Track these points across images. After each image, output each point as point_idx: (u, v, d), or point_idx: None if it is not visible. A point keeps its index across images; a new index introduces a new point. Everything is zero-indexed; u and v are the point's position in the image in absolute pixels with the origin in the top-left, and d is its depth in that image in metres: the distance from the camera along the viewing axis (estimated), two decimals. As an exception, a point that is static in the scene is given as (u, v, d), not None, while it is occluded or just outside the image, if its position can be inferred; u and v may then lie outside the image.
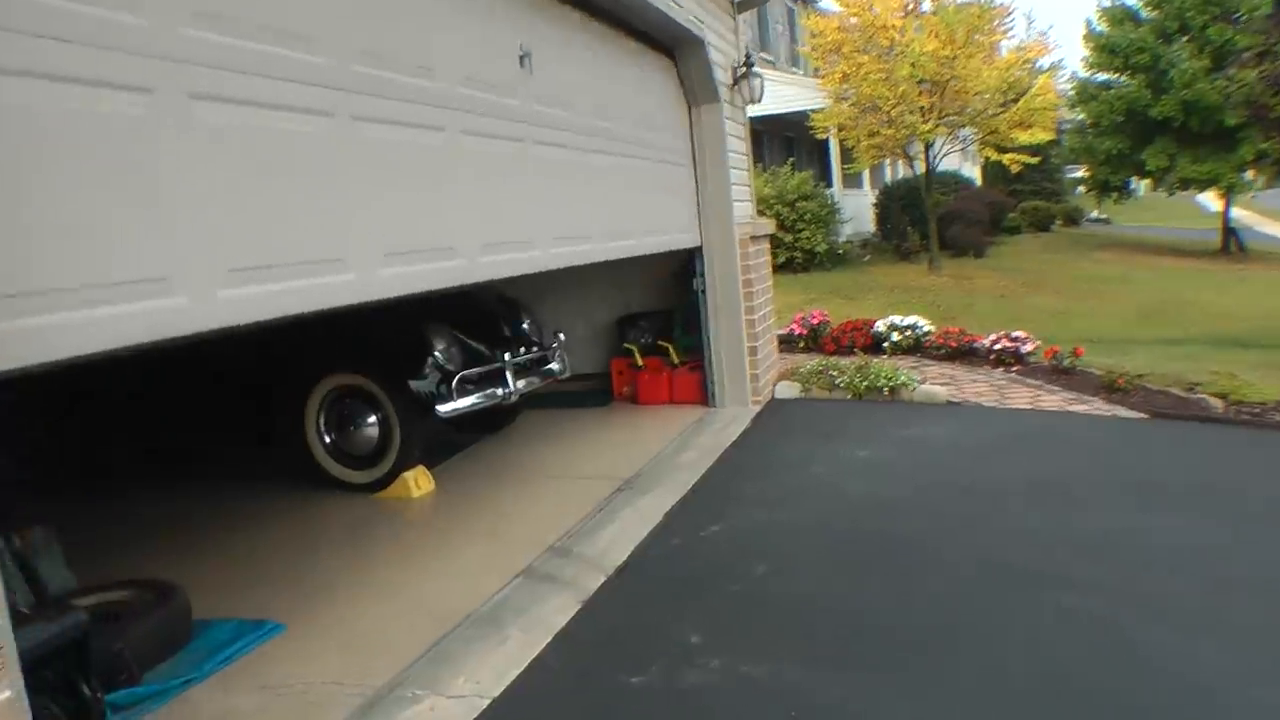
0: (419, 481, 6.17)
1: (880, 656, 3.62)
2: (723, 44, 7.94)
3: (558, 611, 4.06)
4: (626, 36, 6.64)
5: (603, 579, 4.43)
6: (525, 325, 7.26)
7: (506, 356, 6.46)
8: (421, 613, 4.09)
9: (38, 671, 3.05)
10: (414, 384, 6.06)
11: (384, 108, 3.85)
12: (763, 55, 23.32)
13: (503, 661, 3.60)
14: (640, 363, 8.47)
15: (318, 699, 3.37)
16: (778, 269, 17.83)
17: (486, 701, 3.31)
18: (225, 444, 7.12)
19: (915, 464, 6.21)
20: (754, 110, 21.54)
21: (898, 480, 5.84)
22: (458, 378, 6.12)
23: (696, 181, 7.82)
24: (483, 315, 6.96)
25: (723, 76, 7.83)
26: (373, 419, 6.23)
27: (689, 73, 7.54)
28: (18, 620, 3.13)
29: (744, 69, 8.09)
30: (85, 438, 7.41)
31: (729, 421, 7.52)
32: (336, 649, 3.81)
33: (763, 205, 17.86)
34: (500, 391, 6.40)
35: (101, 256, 2.59)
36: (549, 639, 3.80)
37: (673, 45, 7.35)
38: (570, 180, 5.68)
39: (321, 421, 6.37)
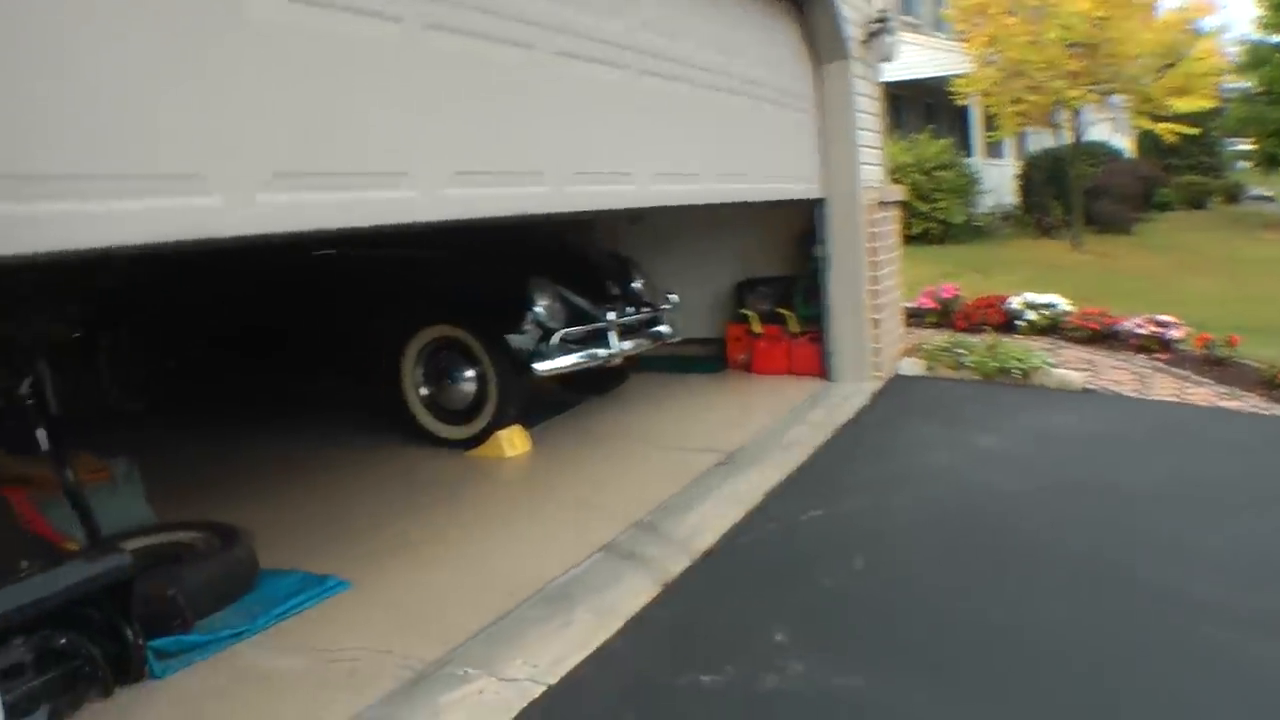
0: (514, 441, 5.97)
1: (982, 677, 3.22)
2: (855, -3, 7.47)
3: (634, 594, 3.78)
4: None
5: (688, 562, 4.13)
6: (637, 285, 6.96)
7: (611, 316, 6.16)
8: (492, 583, 3.87)
9: (82, 610, 2.94)
10: (512, 339, 5.83)
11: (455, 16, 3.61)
12: (905, 19, 22.35)
13: (566, 645, 3.34)
14: (758, 330, 8.11)
15: (364, 668, 3.17)
16: (912, 239, 17.15)
17: (540, 689, 3.06)
18: (326, 380, 7.03)
19: (1042, 456, 5.71)
20: (893, 74, 20.70)
21: (1021, 473, 5.36)
22: (558, 335, 5.87)
23: (821, 139, 7.37)
24: (591, 271, 6.68)
25: (853, 32, 7.33)
26: (470, 373, 6.04)
27: (816, 26, 7.07)
28: (57, 558, 3.05)
29: (877, 25, 7.57)
30: (186, 368, 7.46)
31: (846, 397, 7.10)
32: (395, 614, 3.61)
33: (899, 173, 17.16)
34: (603, 352, 6.12)
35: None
36: (619, 624, 3.53)
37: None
38: (678, 114, 5.35)
39: (419, 373, 6.22)
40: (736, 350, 8.34)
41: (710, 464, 5.51)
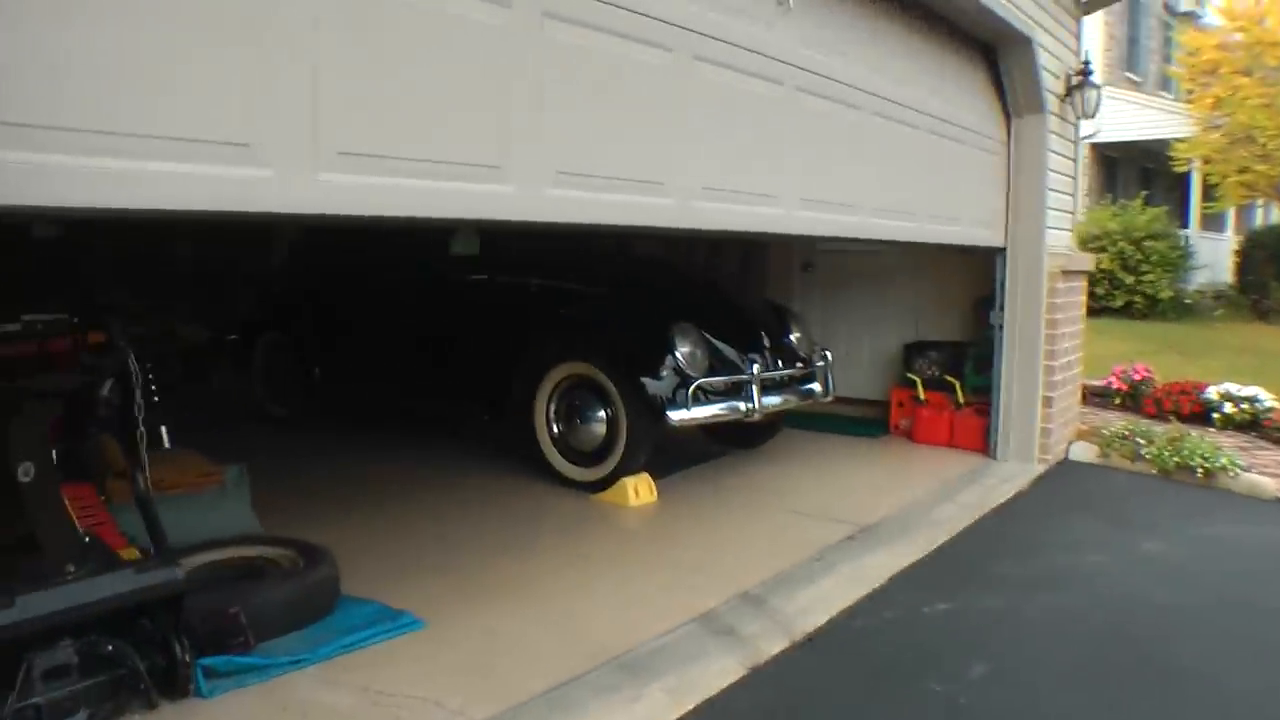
0: (639, 490, 5.75)
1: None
2: (1057, 46, 6.96)
3: (719, 674, 3.47)
4: (931, 28, 5.87)
5: (786, 644, 3.79)
6: (793, 337, 6.65)
7: (755, 369, 5.87)
8: (573, 641, 3.64)
9: (136, 619, 2.89)
10: (647, 383, 5.62)
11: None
12: (1128, 75, 21.17)
13: (628, 724, 3.08)
14: (923, 396, 7.65)
15: (408, 717, 3.00)
16: (1113, 312, 16.11)
17: (583, 772, 2.81)
18: (457, 410, 6.98)
19: (1212, 569, 5.06)
20: (1107, 134, 19.68)
21: (1184, 586, 4.75)
22: (695, 384, 5.63)
23: (1008, 195, 6.89)
24: (743, 319, 6.40)
25: (1052, 84, 6.85)
26: (601, 414, 5.87)
27: (1010, 77, 6.63)
28: (108, 565, 3.01)
29: (1080, 78, 7.05)
30: (332, 378, 7.58)
31: (1005, 479, 6.57)
32: (462, 662, 3.43)
33: (1105, 240, 16.20)
34: (743, 406, 5.83)
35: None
36: (692, 705, 3.23)
37: (992, 40, 6.46)
38: (835, 140, 5.03)
39: (551, 409, 6.09)
40: (899, 415, 7.91)
41: (841, 536, 5.14)
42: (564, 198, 3.43)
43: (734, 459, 6.82)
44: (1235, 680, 3.72)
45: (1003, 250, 6.90)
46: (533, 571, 4.46)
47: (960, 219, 6.39)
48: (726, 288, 6.67)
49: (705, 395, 5.76)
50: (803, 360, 6.58)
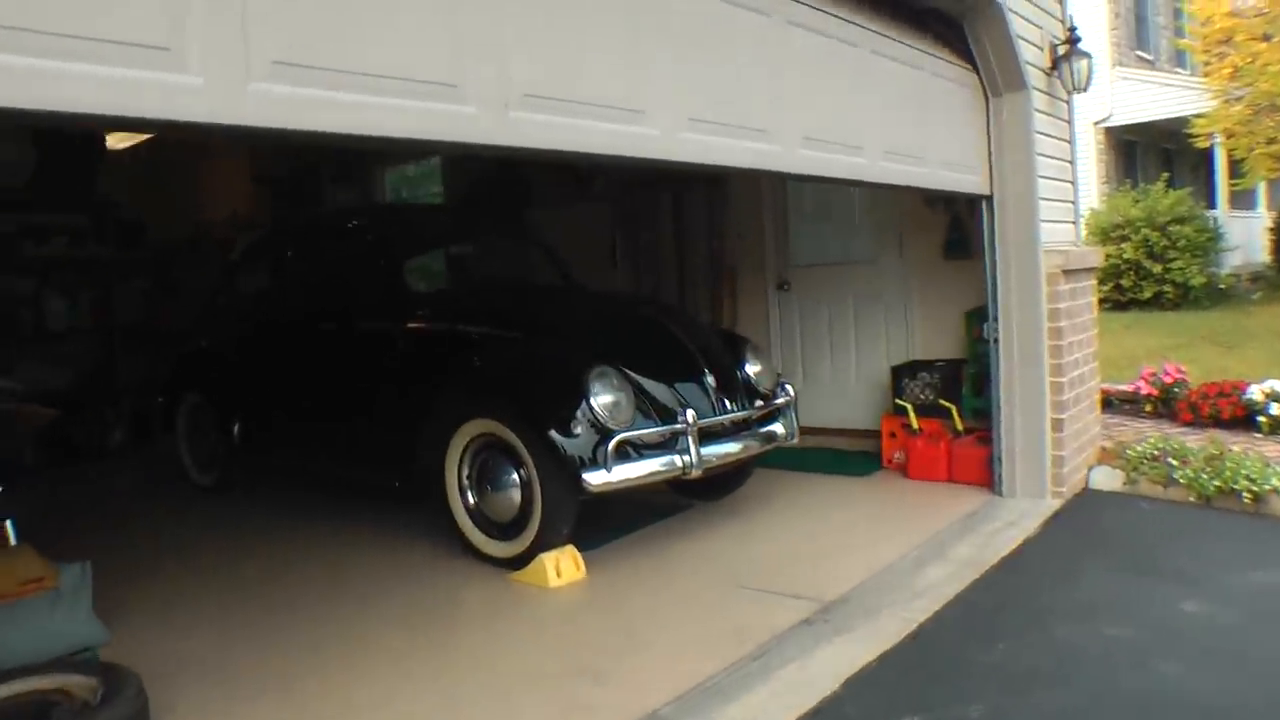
0: (561, 568, 4.80)
1: None
2: (1035, 12, 5.96)
3: None
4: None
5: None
6: (750, 370, 5.68)
7: (690, 416, 4.90)
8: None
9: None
10: (559, 441, 4.67)
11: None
12: (1139, 54, 19.97)
13: None
14: (915, 425, 6.65)
15: None
16: (1141, 305, 14.97)
17: None
18: (366, 475, 6.06)
19: (1270, 639, 4.03)
20: (1123, 117, 18.51)
21: (1243, 672, 3.69)
22: (615, 439, 4.67)
23: (992, 186, 5.89)
24: (684, 355, 5.39)
25: (1033, 56, 5.85)
26: (515, 478, 4.94)
27: (982, 49, 5.63)
28: None
29: (1066, 47, 6.05)
30: (251, 440, 6.70)
31: (1010, 521, 5.54)
32: None
33: (1128, 228, 15.08)
34: (680, 461, 4.87)
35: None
36: None
37: (958, 15, 5.49)
38: (835, 76, 4.55)
39: (464, 474, 5.17)
40: (892, 447, 6.90)
41: (795, 619, 4.16)
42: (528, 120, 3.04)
43: (691, 516, 5.85)
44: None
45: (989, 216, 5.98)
46: (394, 690, 3.57)
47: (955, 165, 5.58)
48: (669, 318, 5.67)
49: (633, 450, 4.81)
50: (763, 397, 5.62)
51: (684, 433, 4.85)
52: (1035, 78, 5.83)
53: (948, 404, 6.60)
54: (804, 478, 6.70)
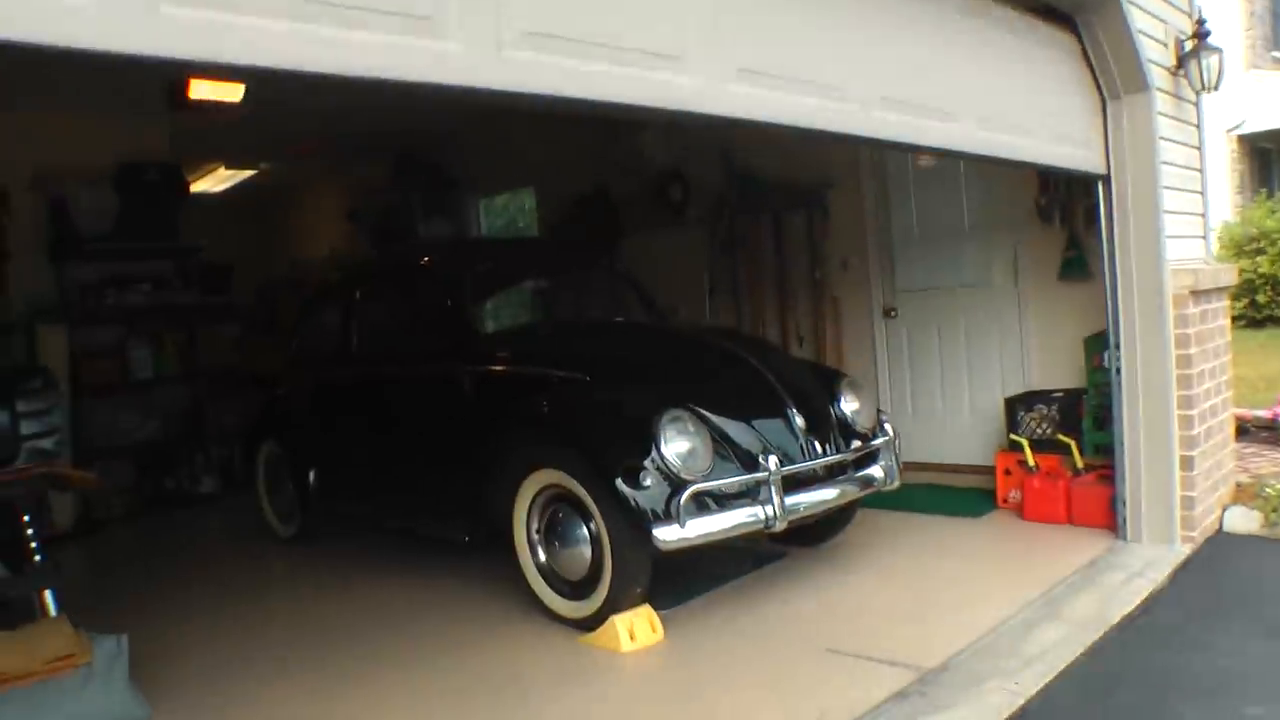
0: (635, 630, 4.39)
1: None
2: (1157, 4, 5.37)
3: None
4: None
5: None
6: (846, 409, 5.20)
7: (773, 463, 4.44)
8: None
9: None
10: (628, 493, 4.26)
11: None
12: (1275, 55, 18.75)
13: None
14: (1032, 462, 6.05)
15: None
16: (1278, 322, 13.92)
17: None
18: (436, 529, 5.72)
19: None
20: (1258, 123, 17.31)
21: None
22: (688, 491, 4.24)
23: (1111, 198, 5.32)
24: (771, 395, 4.93)
25: (1157, 54, 5.27)
26: (584, 533, 4.55)
27: (1097, 46, 5.08)
28: None
29: (1194, 41, 5.44)
30: (329, 488, 6.46)
31: (1135, 571, 4.92)
32: None
33: (1263, 241, 14.08)
34: (762, 513, 4.41)
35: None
36: None
37: (1072, 10, 4.96)
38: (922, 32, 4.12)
39: (534, 528, 4.81)
40: (1006, 486, 6.30)
41: (889, 692, 3.67)
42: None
43: (784, 566, 5.38)
44: None
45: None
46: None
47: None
48: (754, 353, 5.20)
49: (712, 502, 4.37)
50: (861, 437, 5.12)
51: (766, 482, 4.39)
52: (1159, 77, 5.25)
53: (1066, 439, 6.00)
54: (912, 519, 6.18)
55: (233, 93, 5.87)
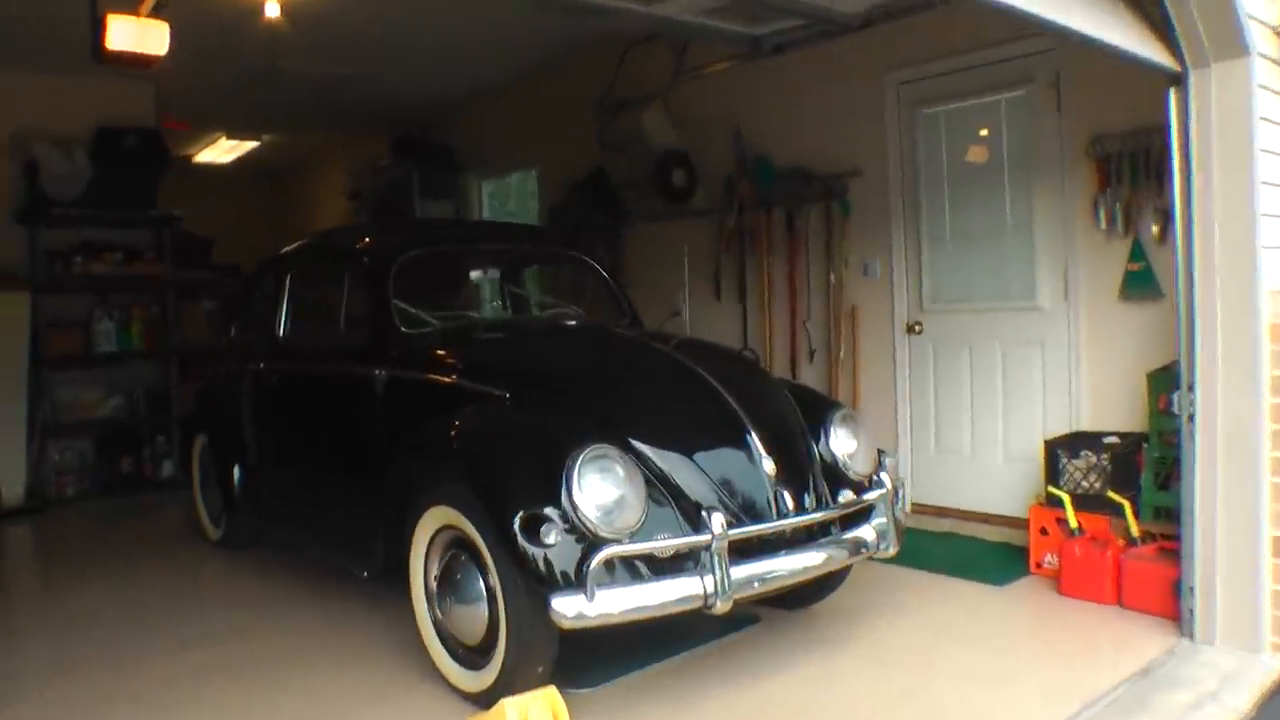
0: (528, 718, 3.41)
1: None
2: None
3: None
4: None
5: None
6: (838, 446, 4.17)
7: (717, 524, 3.41)
8: None
9: None
10: (527, 548, 3.29)
11: None
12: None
13: None
14: (1074, 523, 4.94)
15: None
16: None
17: None
18: (336, 557, 4.85)
19: None
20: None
21: None
22: (601, 554, 3.25)
23: (1191, 202, 4.18)
24: (734, 426, 3.87)
25: (1255, 5, 4.11)
26: (480, 587, 3.61)
27: (1178, 5, 3.96)
28: None
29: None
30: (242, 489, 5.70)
31: (1207, 691, 3.72)
32: None
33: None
34: (701, 588, 3.39)
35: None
36: None
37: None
38: None
39: (432, 575, 3.89)
40: (1041, 548, 5.19)
41: None
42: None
43: (751, 639, 4.35)
44: None
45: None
46: None
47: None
48: (723, 371, 4.11)
49: (641, 567, 3.39)
50: (854, 486, 4.08)
51: (707, 548, 3.39)
52: (1262, 39, 4.08)
53: (1119, 498, 4.86)
54: (922, 580, 5.13)
55: (156, 43, 4.99)
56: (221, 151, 11.12)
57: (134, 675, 4.12)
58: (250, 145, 10.89)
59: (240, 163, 11.71)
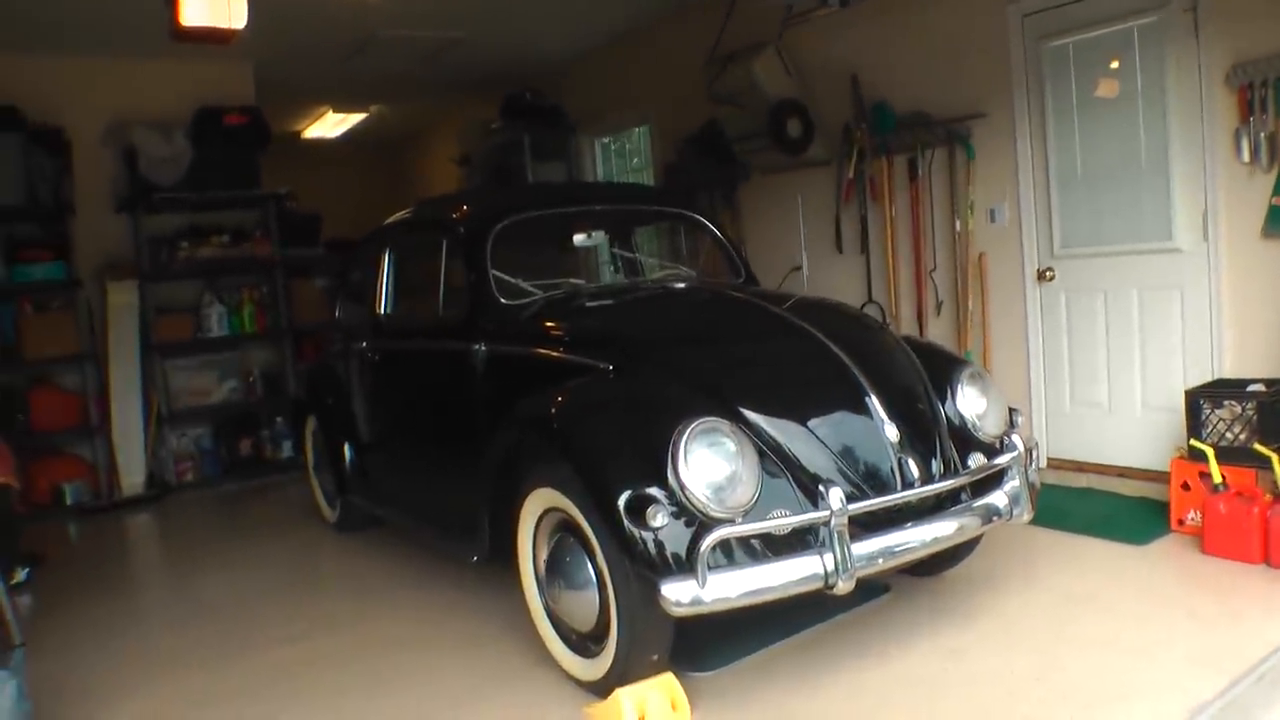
0: (646, 710, 3.26)
1: None
2: None
3: None
4: None
5: None
6: (967, 407, 3.89)
7: (835, 498, 3.19)
8: None
9: None
10: (633, 531, 3.11)
11: None
12: None
13: None
14: (1218, 478, 4.55)
15: None
16: None
17: None
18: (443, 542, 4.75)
19: None
20: None
21: None
22: (713, 535, 3.05)
23: None
24: (847, 387, 3.60)
25: None
26: (589, 573, 3.45)
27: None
28: None
29: None
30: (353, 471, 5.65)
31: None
32: None
33: None
34: (823, 567, 3.17)
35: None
36: None
37: None
38: None
39: (541, 559, 3.75)
40: (1184, 504, 4.82)
41: None
42: None
43: (880, 612, 4.12)
44: None
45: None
46: None
47: None
48: (837, 332, 3.86)
49: (751, 549, 3.18)
50: (985, 450, 3.80)
51: (825, 524, 3.16)
52: None
53: (1267, 450, 4.45)
54: (1058, 540, 4.81)
55: (234, 16, 4.89)
56: (329, 126, 11.08)
57: (241, 667, 4.11)
58: (358, 117, 10.78)
59: (350, 136, 11.67)
